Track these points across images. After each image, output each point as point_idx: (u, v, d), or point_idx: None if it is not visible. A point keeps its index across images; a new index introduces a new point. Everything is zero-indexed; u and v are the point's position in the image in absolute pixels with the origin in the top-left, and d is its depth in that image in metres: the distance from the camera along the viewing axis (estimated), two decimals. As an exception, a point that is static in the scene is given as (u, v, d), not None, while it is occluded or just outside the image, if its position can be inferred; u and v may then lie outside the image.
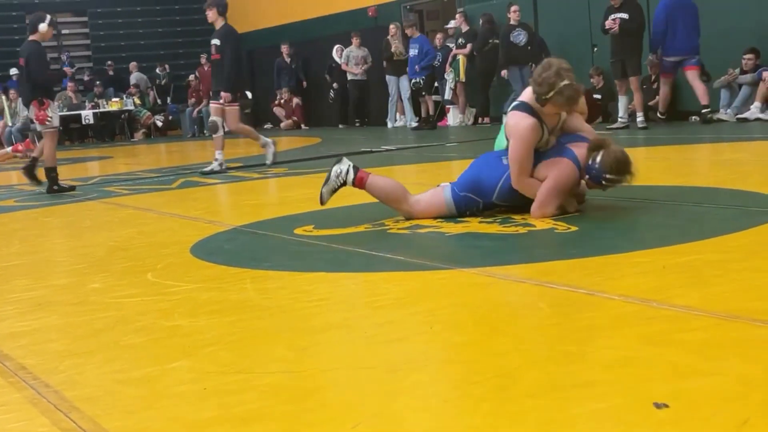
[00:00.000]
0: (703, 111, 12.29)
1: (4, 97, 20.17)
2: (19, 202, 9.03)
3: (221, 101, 10.40)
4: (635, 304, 3.20)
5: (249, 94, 21.45)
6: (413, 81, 16.76)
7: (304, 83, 20.82)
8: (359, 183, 5.44)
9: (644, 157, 8.65)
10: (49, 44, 23.71)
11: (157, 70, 23.97)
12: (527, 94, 5.19)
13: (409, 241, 4.88)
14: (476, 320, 3.25)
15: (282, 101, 21.11)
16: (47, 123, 9.39)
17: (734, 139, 9.97)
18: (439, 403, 2.46)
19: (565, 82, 4.97)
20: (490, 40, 15.67)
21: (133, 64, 23.52)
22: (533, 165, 5.16)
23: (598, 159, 5.00)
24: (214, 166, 10.45)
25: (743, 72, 12.65)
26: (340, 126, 19.64)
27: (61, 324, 3.71)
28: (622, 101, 12.91)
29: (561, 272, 3.99)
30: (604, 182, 5.06)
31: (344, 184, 5.48)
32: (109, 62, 23.86)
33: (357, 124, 19.40)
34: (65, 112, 20.64)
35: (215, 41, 10.48)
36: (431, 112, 16.82)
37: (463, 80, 16.54)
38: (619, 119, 12.90)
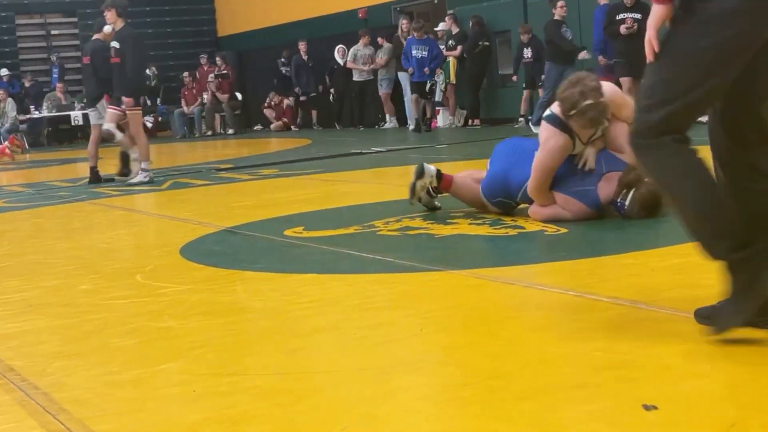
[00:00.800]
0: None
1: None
2: (9, 203, 9.00)
3: (122, 107, 9.76)
4: (625, 306, 3.21)
5: (239, 96, 21.46)
6: (429, 83, 16.29)
7: (320, 87, 19.85)
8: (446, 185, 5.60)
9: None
10: (38, 45, 23.79)
11: (147, 72, 23.88)
12: (557, 106, 5.08)
13: (400, 243, 4.88)
14: (467, 322, 3.26)
15: (273, 103, 21.08)
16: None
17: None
18: (430, 405, 2.47)
19: (588, 101, 4.82)
20: (480, 42, 15.67)
21: (122, 66, 23.40)
22: (562, 175, 5.09)
23: (628, 200, 4.93)
24: (141, 177, 9.75)
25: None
26: (338, 127, 19.31)
27: (50, 326, 3.70)
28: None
29: (551, 274, 4.00)
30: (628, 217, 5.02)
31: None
32: (99, 63, 23.75)
33: (359, 128, 18.64)
34: (54, 113, 20.58)
35: (114, 44, 9.78)
36: (428, 115, 16.76)
37: (454, 82, 16.54)
38: None
